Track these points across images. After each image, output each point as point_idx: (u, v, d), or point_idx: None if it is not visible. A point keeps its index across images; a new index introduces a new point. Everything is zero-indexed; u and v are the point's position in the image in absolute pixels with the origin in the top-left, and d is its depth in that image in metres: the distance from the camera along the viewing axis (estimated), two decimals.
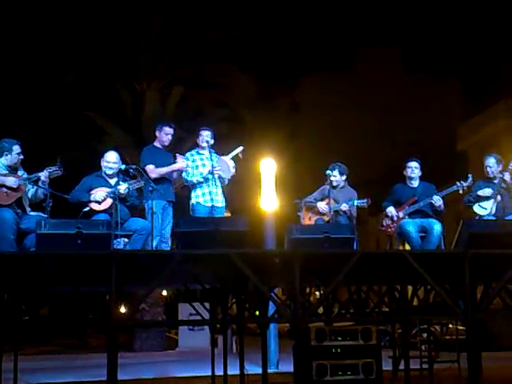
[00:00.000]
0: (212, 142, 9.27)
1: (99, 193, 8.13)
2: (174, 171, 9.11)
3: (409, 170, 9.29)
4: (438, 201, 8.97)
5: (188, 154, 9.33)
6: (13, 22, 22.19)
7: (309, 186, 11.04)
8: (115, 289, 7.08)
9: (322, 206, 9.43)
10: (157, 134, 9.27)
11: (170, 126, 9.29)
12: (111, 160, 8.44)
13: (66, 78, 21.29)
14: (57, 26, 21.49)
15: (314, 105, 51.51)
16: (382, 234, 9.81)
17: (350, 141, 47.15)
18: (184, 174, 9.18)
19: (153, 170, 8.89)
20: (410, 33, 72.63)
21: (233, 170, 9.30)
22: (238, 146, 9.41)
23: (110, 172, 8.39)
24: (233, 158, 9.36)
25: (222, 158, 9.29)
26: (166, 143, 9.25)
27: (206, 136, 9.24)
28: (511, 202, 9.01)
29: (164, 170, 9.01)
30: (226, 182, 9.34)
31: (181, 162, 9.04)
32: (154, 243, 8.30)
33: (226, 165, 9.23)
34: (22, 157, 7.95)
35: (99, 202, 8.10)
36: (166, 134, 9.22)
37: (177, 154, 9.15)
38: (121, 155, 8.80)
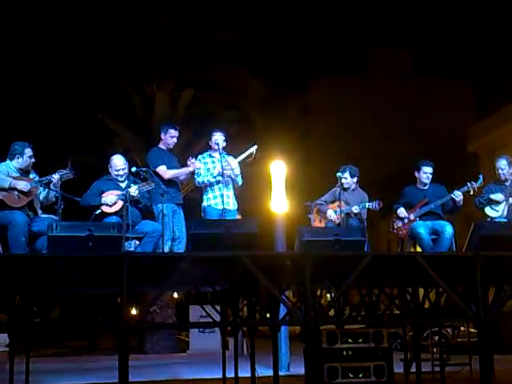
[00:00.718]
0: (224, 144, 9.25)
1: (110, 196, 8.15)
2: (187, 173, 9.11)
3: (424, 176, 9.19)
4: (459, 195, 8.88)
5: (200, 157, 9.33)
6: (24, 24, 22.30)
7: (319, 187, 11.02)
8: (126, 291, 7.10)
9: (330, 213, 9.42)
10: (162, 136, 9.26)
11: (175, 129, 9.28)
12: (120, 166, 8.43)
13: (77, 78, 21.35)
14: (67, 28, 21.57)
15: (324, 107, 51.49)
16: (394, 237, 9.78)
17: (361, 143, 47.08)
18: (196, 176, 9.18)
19: (166, 171, 8.89)
20: (420, 35, 72.57)
21: (237, 171, 9.25)
22: (252, 145, 9.35)
23: (121, 179, 8.41)
24: (241, 160, 9.33)
25: (228, 158, 9.25)
26: (171, 146, 9.25)
27: (218, 138, 9.23)
28: None
29: (177, 171, 9.01)
30: (240, 183, 9.31)
31: (194, 164, 9.03)
32: (166, 247, 8.31)
33: (230, 165, 9.20)
34: (33, 160, 7.97)
35: (110, 205, 8.12)
36: (171, 137, 9.21)
37: (188, 159, 9.13)
38: (131, 158, 8.81)
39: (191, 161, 9.04)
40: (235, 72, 22.76)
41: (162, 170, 8.89)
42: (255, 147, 9.31)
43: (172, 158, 9.20)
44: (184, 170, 9.06)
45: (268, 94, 24.37)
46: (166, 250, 8.26)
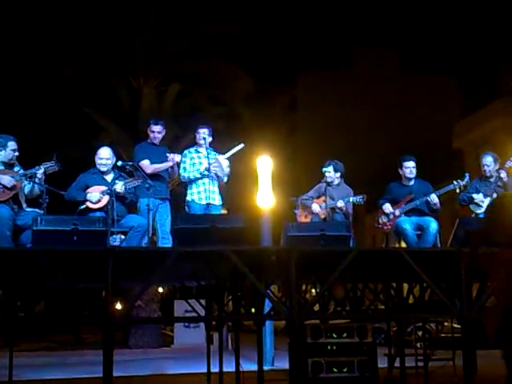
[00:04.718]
0: (210, 139, 9.27)
1: (94, 193, 8.10)
2: (168, 167, 9.10)
3: (407, 171, 9.23)
4: (433, 199, 8.98)
5: (186, 152, 9.35)
6: (10, 18, 22.14)
7: (305, 183, 11.05)
8: (111, 285, 7.07)
9: (315, 207, 9.46)
10: (147, 131, 9.32)
11: (156, 123, 9.30)
12: (104, 156, 8.42)
13: (63, 72, 21.24)
14: (54, 22, 21.44)
15: (311, 102, 51.55)
16: (379, 232, 9.83)
17: (347, 138, 47.21)
18: (181, 171, 9.19)
19: (148, 166, 8.90)
20: (407, 32, 72.73)
21: (227, 170, 9.28)
22: (238, 144, 9.38)
23: (104, 169, 8.37)
24: (229, 158, 9.34)
25: (217, 156, 9.26)
26: (155, 140, 9.27)
27: (203, 133, 9.25)
28: None
29: (159, 166, 9.01)
30: (225, 179, 9.32)
31: (173, 160, 9.03)
32: (144, 240, 8.27)
33: (220, 163, 9.21)
34: (17, 153, 7.87)
35: (94, 202, 8.09)
36: (151, 132, 9.26)
37: (167, 154, 9.13)
38: (117, 151, 8.79)
39: (170, 156, 9.05)
40: (222, 67, 22.73)
41: (145, 164, 8.91)
42: (242, 145, 9.32)
43: (159, 152, 9.18)
44: (164, 165, 9.05)
45: (255, 89, 24.35)
46: (144, 242, 8.22)
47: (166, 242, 8.75)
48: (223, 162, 9.21)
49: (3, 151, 7.82)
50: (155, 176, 8.89)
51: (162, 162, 9.04)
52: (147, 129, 9.32)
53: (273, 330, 14.30)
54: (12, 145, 7.83)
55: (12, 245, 7.38)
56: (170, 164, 9.05)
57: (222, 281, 9.86)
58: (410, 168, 9.25)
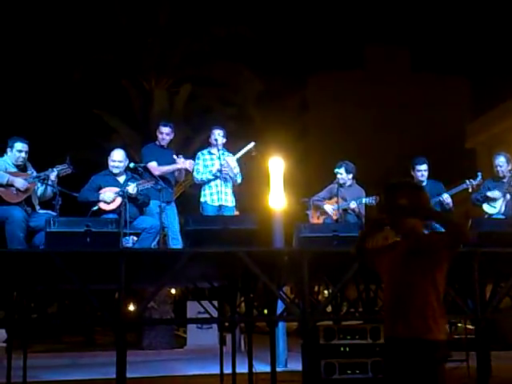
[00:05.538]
0: (224, 140, 9.27)
1: (108, 193, 8.13)
2: (176, 170, 9.11)
3: (418, 174, 9.17)
4: (446, 199, 8.94)
5: (199, 153, 9.38)
6: (20, 20, 22.27)
7: (317, 184, 11.02)
8: (124, 287, 7.10)
9: (328, 207, 9.45)
10: (156, 133, 9.35)
11: (164, 125, 9.33)
12: (117, 158, 8.44)
13: (74, 74, 21.31)
14: (64, 24, 21.52)
15: (322, 103, 51.44)
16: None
17: (359, 139, 47.04)
18: (194, 173, 9.20)
19: (156, 168, 8.92)
20: (418, 32, 72.46)
21: (236, 170, 9.28)
22: (249, 143, 9.39)
23: (116, 171, 8.40)
24: (239, 158, 9.34)
25: (226, 158, 9.26)
26: (163, 142, 9.28)
27: (217, 135, 9.25)
28: None
29: (166, 168, 9.02)
30: (239, 180, 9.32)
31: (182, 163, 9.05)
32: (154, 241, 8.28)
33: (229, 165, 9.21)
34: (23, 155, 7.85)
35: (108, 202, 8.11)
36: (160, 133, 9.27)
37: (175, 156, 9.14)
38: (129, 153, 8.81)
39: (179, 159, 9.06)
40: (234, 68, 22.71)
41: (153, 166, 8.92)
42: (252, 144, 9.32)
43: (166, 154, 9.19)
44: (172, 167, 9.06)
45: (266, 91, 24.32)
46: (154, 244, 8.24)
47: (175, 243, 8.76)
48: (231, 162, 9.21)
49: (10, 152, 7.86)
50: (161, 179, 8.89)
51: (167, 165, 9.07)
52: (156, 131, 9.35)
53: (285, 332, 14.28)
54: (18, 146, 7.82)
55: (25, 246, 7.42)
56: (178, 166, 9.05)
57: (235, 282, 9.86)
58: (421, 171, 9.20)
